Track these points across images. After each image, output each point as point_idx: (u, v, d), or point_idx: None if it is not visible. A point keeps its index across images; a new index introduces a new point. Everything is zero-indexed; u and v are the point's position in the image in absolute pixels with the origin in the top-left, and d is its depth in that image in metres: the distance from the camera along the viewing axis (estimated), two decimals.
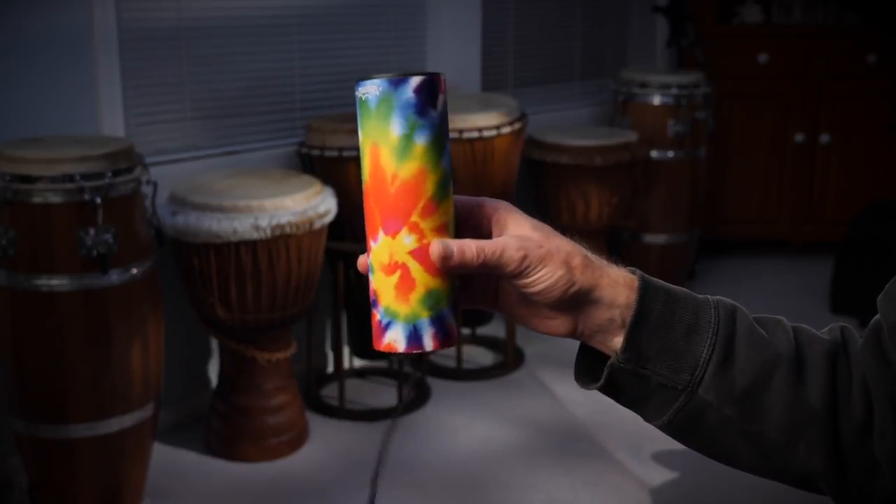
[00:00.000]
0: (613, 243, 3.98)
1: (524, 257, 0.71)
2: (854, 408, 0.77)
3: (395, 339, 0.69)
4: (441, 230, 0.69)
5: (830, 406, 0.77)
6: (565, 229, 0.80)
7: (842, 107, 4.45)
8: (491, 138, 3.23)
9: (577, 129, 3.90)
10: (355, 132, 3.13)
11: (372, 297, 0.70)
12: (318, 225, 2.71)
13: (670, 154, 3.97)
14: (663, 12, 4.31)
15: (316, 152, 3.00)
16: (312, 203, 2.71)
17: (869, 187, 4.43)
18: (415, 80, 0.67)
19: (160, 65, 2.98)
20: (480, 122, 3.22)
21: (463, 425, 2.98)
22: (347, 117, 3.16)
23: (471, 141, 3.21)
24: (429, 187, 0.68)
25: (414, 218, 0.68)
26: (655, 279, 0.79)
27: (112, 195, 2.29)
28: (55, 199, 2.25)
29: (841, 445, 0.77)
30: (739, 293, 4.21)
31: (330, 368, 3.37)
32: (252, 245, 2.62)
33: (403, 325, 0.69)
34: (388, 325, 0.69)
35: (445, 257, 0.68)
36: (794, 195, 4.54)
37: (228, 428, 2.84)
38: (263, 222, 2.59)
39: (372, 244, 0.70)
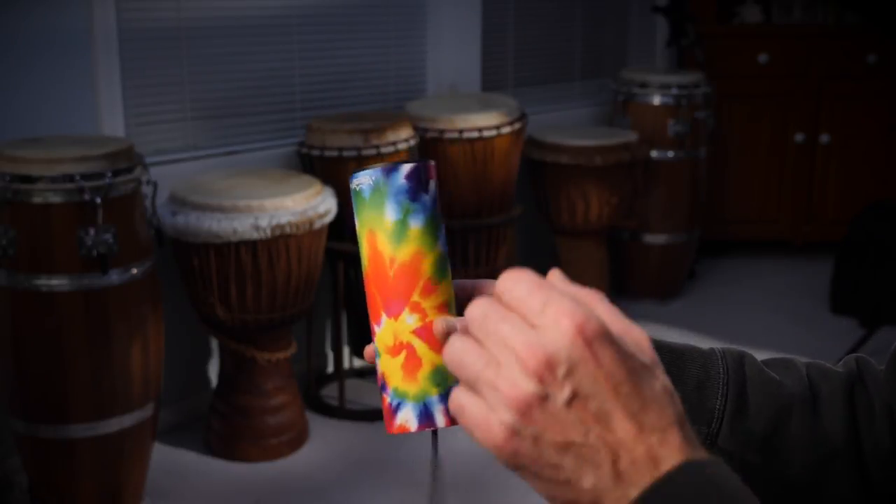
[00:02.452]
0: (613, 243, 3.98)
1: None
2: (879, 437, 0.76)
3: (406, 420, 0.71)
4: (442, 308, 0.71)
5: (852, 438, 0.77)
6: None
7: (842, 107, 4.45)
8: (491, 138, 3.23)
9: (577, 129, 3.90)
10: (355, 132, 3.14)
11: (380, 381, 0.72)
12: (318, 225, 2.71)
13: (670, 154, 3.97)
14: (663, 12, 4.31)
15: (316, 152, 3.00)
16: (312, 203, 2.71)
17: (869, 187, 4.43)
18: (406, 168, 0.70)
19: (160, 65, 2.98)
20: (480, 122, 3.22)
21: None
22: (347, 117, 3.17)
23: (471, 141, 3.21)
24: (427, 268, 0.70)
25: (415, 298, 0.70)
26: (658, 339, 0.77)
27: (112, 195, 2.29)
28: (55, 199, 2.25)
29: (869, 477, 0.76)
30: (739, 293, 4.22)
31: (330, 368, 3.37)
32: (252, 245, 2.62)
33: (413, 405, 0.70)
34: (398, 407, 0.71)
35: (448, 333, 0.68)
36: (794, 195, 4.54)
37: (228, 428, 2.84)
38: (263, 222, 2.59)
39: (376, 328, 0.71)
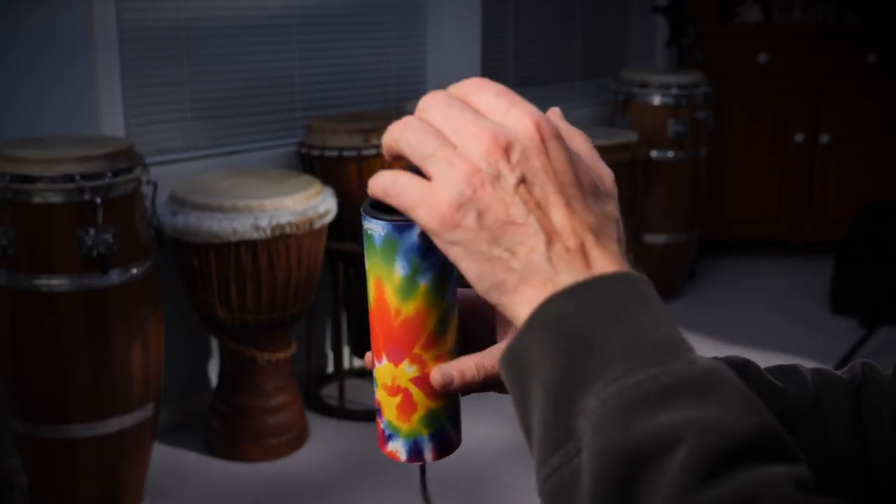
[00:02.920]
0: None
1: None
2: (887, 444, 0.75)
3: (396, 450, 0.73)
4: (442, 357, 0.72)
5: (859, 446, 0.76)
6: None
7: (842, 107, 4.45)
8: None
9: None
10: (355, 132, 3.14)
11: (376, 405, 0.74)
12: (318, 225, 2.71)
13: (670, 154, 3.97)
14: (663, 12, 4.31)
15: (316, 152, 3.00)
16: (312, 203, 2.71)
17: (869, 187, 4.44)
18: (419, 227, 0.71)
19: (160, 65, 2.98)
20: None
21: (463, 425, 2.97)
22: (347, 117, 3.17)
23: None
24: (431, 323, 0.70)
25: (416, 350, 0.71)
26: None
27: (112, 195, 2.29)
28: (55, 199, 2.25)
29: (878, 486, 0.75)
30: (739, 293, 4.22)
31: (330, 368, 3.37)
32: (252, 245, 2.62)
33: (404, 441, 0.73)
34: (390, 437, 0.73)
35: (446, 385, 0.70)
36: (794, 195, 4.54)
37: (228, 428, 2.84)
38: (263, 222, 2.59)
39: (376, 363, 0.73)
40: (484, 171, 0.55)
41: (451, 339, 0.72)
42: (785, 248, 4.64)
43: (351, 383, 3.25)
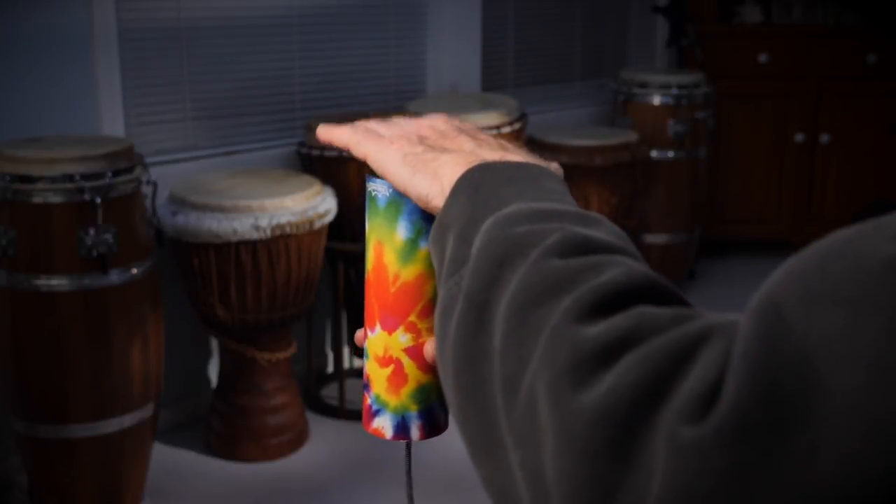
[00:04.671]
0: None
1: None
2: None
3: (383, 427, 0.72)
4: None
5: None
6: None
7: (842, 107, 4.45)
8: None
9: (577, 129, 3.90)
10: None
11: (365, 380, 0.73)
12: (318, 225, 2.71)
13: (670, 154, 3.97)
14: (663, 12, 4.31)
15: (316, 152, 3.00)
16: (312, 203, 2.71)
17: (869, 187, 4.44)
18: None
19: (160, 65, 2.98)
20: (480, 122, 3.22)
21: None
22: (347, 117, 3.16)
23: None
24: (429, 290, 0.70)
25: (412, 318, 0.70)
26: None
27: (112, 195, 2.29)
28: (55, 199, 2.25)
29: None
30: (739, 293, 4.21)
31: (330, 368, 3.37)
32: (252, 245, 2.62)
33: (392, 416, 0.71)
34: (377, 412, 0.72)
35: None
36: (794, 195, 4.54)
37: (228, 428, 2.84)
38: (263, 222, 2.59)
39: (369, 333, 0.72)
40: (429, 125, 0.69)
41: None
42: (785, 248, 4.64)
43: (351, 383, 3.25)
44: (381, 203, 0.69)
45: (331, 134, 0.74)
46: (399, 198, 0.69)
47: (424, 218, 0.68)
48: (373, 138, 0.69)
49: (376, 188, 0.70)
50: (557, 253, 0.50)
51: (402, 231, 0.69)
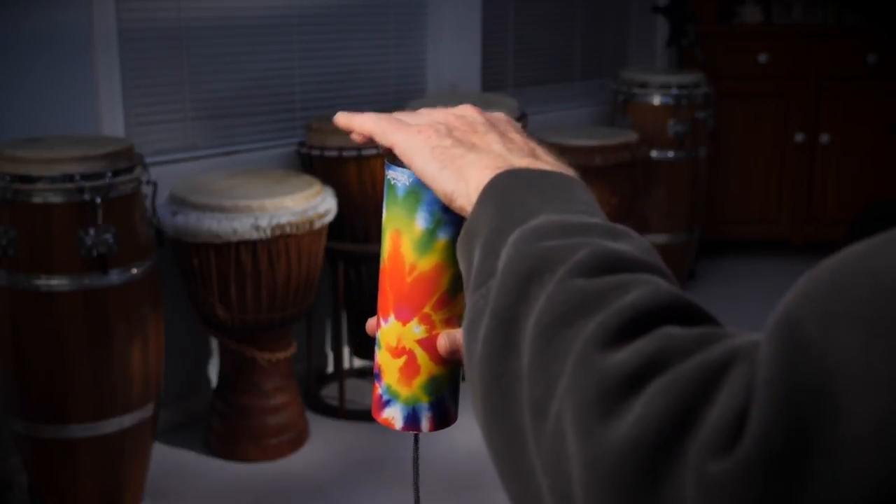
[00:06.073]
0: None
1: None
2: None
3: (393, 417, 0.72)
4: (451, 321, 0.70)
5: None
6: None
7: (842, 107, 4.45)
8: None
9: (577, 129, 3.90)
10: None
11: (376, 369, 0.73)
12: (318, 225, 2.71)
13: (670, 154, 3.97)
14: (663, 12, 4.30)
15: (316, 152, 3.00)
16: (312, 203, 2.71)
17: (869, 187, 4.43)
18: None
19: (160, 65, 2.98)
20: None
21: (463, 425, 2.97)
22: None
23: None
24: (445, 282, 0.69)
25: (427, 310, 0.69)
26: None
27: (112, 195, 2.29)
28: (55, 199, 2.25)
29: None
30: (739, 293, 4.22)
31: (330, 368, 3.37)
32: (252, 245, 2.62)
33: (403, 406, 0.71)
34: (388, 402, 0.71)
35: (452, 351, 0.70)
36: (794, 195, 4.54)
37: (228, 428, 2.84)
38: (263, 222, 2.59)
39: (382, 323, 0.71)
40: (458, 115, 0.68)
41: (460, 305, 0.70)
42: (785, 248, 4.64)
43: (351, 383, 3.25)
44: (401, 192, 0.69)
45: (352, 121, 0.72)
46: (419, 188, 0.68)
47: (444, 209, 0.67)
48: (400, 127, 0.68)
49: (396, 177, 0.69)
50: (584, 270, 0.49)
51: (420, 221, 0.68)
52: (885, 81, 4.38)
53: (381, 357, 0.72)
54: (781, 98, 4.46)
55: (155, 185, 2.56)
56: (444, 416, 0.72)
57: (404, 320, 0.70)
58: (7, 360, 2.35)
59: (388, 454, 2.84)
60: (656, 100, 3.95)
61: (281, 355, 2.81)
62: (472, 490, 2.69)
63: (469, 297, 0.56)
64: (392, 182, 0.69)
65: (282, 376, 2.85)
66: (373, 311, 0.74)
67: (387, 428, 0.73)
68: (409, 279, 0.69)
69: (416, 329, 0.69)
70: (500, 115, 0.70)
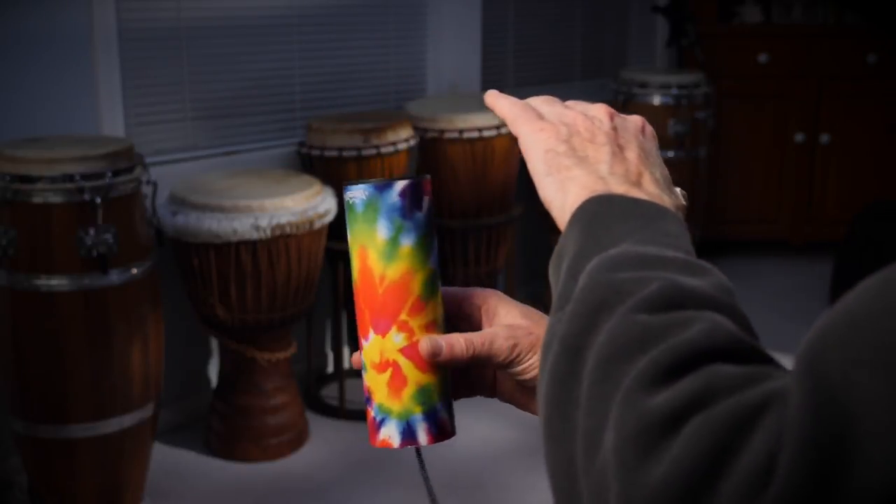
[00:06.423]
0: None
1: (514, 346, 0.71)
2: None
3: (389, 436, 0.72)
4: (430, 327, 0.71)
5: None
6: None
7: (842, 107, 4.45)
8: (491, 138, 3.23)
9: None
10: (355, 132, 3.15)
11: (366, 394, 0.73)
12: (318, 225, 2.71)
13: (670, 154, 3.97)
14: (663, 12, 4.31)
15: (316, 152, 3.00)
16: (312, 203, 2.71)
17: (869, 187, 4.43)
18: (400, 185, 0.70)
19: (160, 65, 2.98)
20: (480, 122, 3.22)
21: (463, 425, 2.97)
22: (347, 117, 3.17)
23: (471, 141, 3.21)
24: (416, 287, 0.70)
25: (403, 317, 0.70)
26: None
27: (112, 195, 2.29)
28: (55, 199, 2.25)
29: None
30: (739, 293, 4.18)
31: (330, 368, 3.37)
32: (252, 245, 2.62)
33: (397, 422, 0.71)
34: (382, 422, 0.72)
35: (434, 354, 0.70)
36: (794, 195, 4.54)
37: (228, 428, 2.84)
38: (263, 222, 2.59)
39: (363, 342, 0.72)
40: (590, 116, 0.67)
41: (437, 309, 0.71)
42: (785, 248, 4.64)
43: (351, 383, 3.25)
44: (360, 207, 0.70)
45: (495, 102, 0.72)
46: (376, 199, 0.69)
47: (403, 215, 0.69)
48: (528, 119, 0.68)
49: (353, 195, 0.70)
50: (650, 306, 0.49)
51: (382, 231, 0.69)
52: (885, 81, 4.38)
53: (368, 378, 0.72)
54: (781, 98, 4.46)
55: (155, 185, 2.56)
56: (440, 426, 0.72)
57: (383, 331, 0.70)
58: (7, 360, 2.35)
59: (388, 454, 2.84)
60: (656, 100, 3.95)
61: (281, 355, 2.81)
62: (472, 490, 2.69)
63: (550, 318, 0.57)
64: (351, 202, 0.71)
65: (282, 376, 2.85)
66: None
67: None
68: (380, 290, 0.70)
69: (396, 338, 0.70)
70: (634, 123, 0.70)
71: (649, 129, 0.71)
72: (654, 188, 0.64)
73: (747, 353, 0.47)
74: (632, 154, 0.66)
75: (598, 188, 0.62)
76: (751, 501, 0.39)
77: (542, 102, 0.70)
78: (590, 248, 0.57)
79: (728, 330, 0.48)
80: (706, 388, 0.43)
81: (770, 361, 0.47)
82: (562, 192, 0.63)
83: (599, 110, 0.69)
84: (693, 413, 0.43)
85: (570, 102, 0.71)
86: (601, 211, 0.59)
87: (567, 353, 0.51)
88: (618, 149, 0.66)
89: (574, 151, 0.65)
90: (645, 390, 0.45)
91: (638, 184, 0.64)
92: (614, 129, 0.67)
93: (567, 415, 0.50)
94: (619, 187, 0.62)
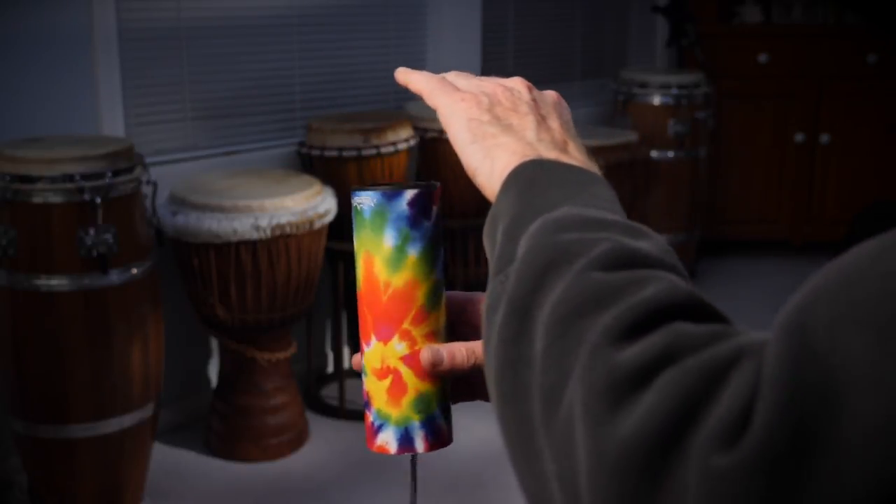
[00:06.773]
0: None
1: None
2: None
3: (387, 442, 0.72)
4: (432, 336, 0.71)
5: None
6: None
7: (842, 107, 4.45)
8: None
9: (577, 129, 3.89)
10: (355, 132, 3.15)
11: (365, 398, 0.74)
12: (318, 225, 2.71)
13: (670, 154, 3.97)
14: (663, 12, 4.31)
15: (316, 152, 3.00)
16: (312, 203, 2.71)
17: (869, 187, 4.44)
18: (409, 194, 0.70)
19: (160, 65, 2.98)
20: None
21: (463, 425, 2.97)
22: (347, 117, 3.17)
23: None
24: (420, 296, 0.70)
25: (405, 325, 0.70)
26: None
27: (112, 195, 2.29)
28: (55, 199, 2.25)
29: None
30: (739, 293, 4.22)
31: (330, 368, 3.37)
32: (252, 245, 2.62)
33: (395, 429, 0.72)
34: (380, 427, 0.73)
35: (436, 364, 0.70)
36: (794, 195, 4.54)
37: (228, 428, 2.84)
38: (263, 222, 2.59)
39: (365, 348, 0.72)
40: (508, 87, 0.69)
41: (440, 319, 0.72)
42: (785, 248, 4.64)
43: (351, 383, 3.25)
44: (367, 214, 0.70)
45: (408, 77, 0.74)
46: (385, 207, 0.69)
47: (410, 225, 0.69)
48: (446, 91, 0.69)
49: (362, 201, 0.70)
50: (603, 264, 0.50)
51: (388, 239, 0.69)
52: (885, 81, 4.38)
53: (368, 383, 0.72)
54: (781, 98, 4.46)
55: (155, 185, 2.56)
56: (437, 434, 0.72)
57: (385, 339, 0.70)
58: (7, 360, 2.35)
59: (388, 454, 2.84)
60: (656, 100, 3.95)
61: (281, 355, 2.81)
62: (472, 490, 2.70)
63: (489, 283, 0.57)
64: (359, 207, 0.71)
65: (282, 376, 2.85)
66: None
67: None
68: (384, 297, 0.70)
69: (398, 346, 0.70)
70: (550, 96, 0.71)
71: (564, 102, 0.72)
72: (580, 155, 0.66)
73: (707, 312, 0.47)
74: (554, 123, 0.68)
75: (529, 153, 0.63)
76: (725, 449, 0.39)
77: (456, 76, 0.71)
78: (528, 212, 0.57)
79: (687, 289, 0.48)
80: (675, 342, 0.44)
81: (726, 320, 0.48)
82: (489, 160, 0.64)
83: (517, 82, 0.70)
84: (664, 366, 0.43)
85: (483, 77, 0.71)
86: (536, 175, 0.60)
87: (516, 313, 0.51)
88: (541, 118, 0.67)
89: (498, 120, 0.66)
90: (612, 345, 0.45)
91: (565, 151, 0.65)
92: (534, 100, 0.69)
93: (520, 373, 0.50)
94: (549, 153, 0.64)
